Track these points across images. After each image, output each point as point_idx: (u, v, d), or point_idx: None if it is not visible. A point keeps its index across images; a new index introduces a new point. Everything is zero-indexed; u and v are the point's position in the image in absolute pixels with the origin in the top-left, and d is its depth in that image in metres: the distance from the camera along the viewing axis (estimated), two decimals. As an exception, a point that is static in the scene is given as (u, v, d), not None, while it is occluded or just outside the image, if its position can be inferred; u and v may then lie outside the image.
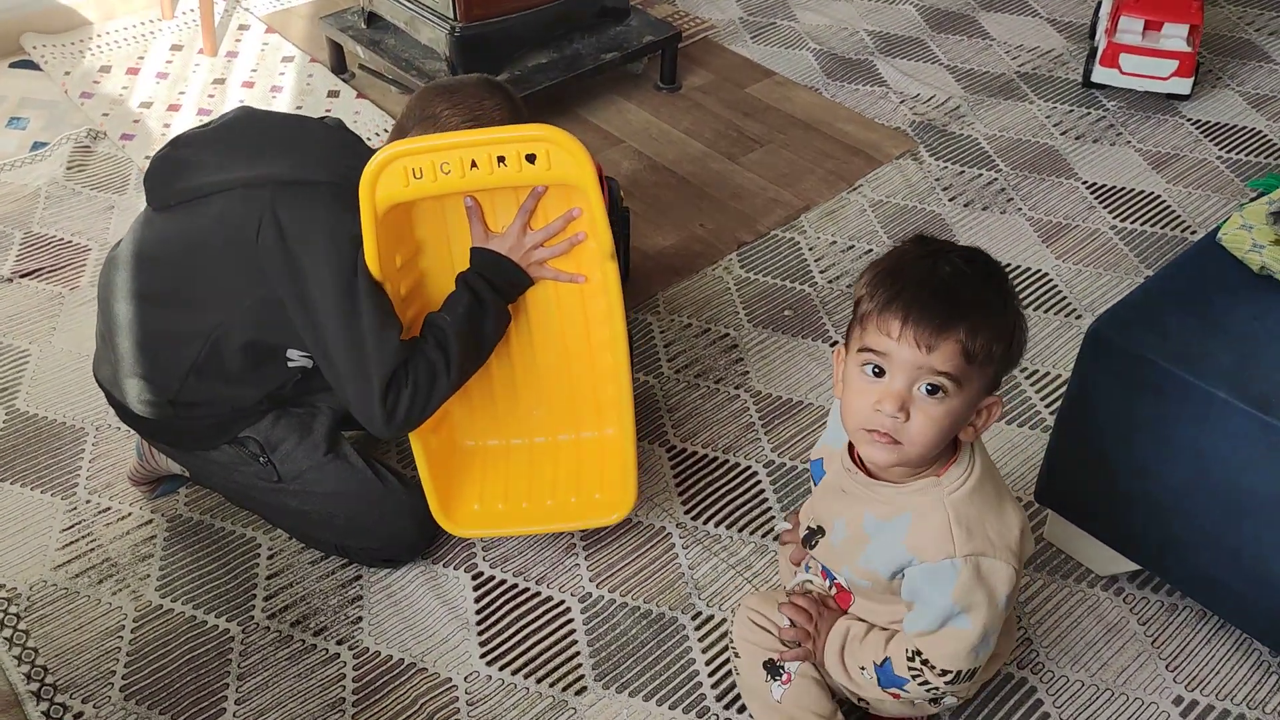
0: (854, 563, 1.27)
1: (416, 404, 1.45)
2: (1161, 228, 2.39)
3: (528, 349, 1.67)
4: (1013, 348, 1.14)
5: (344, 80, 2.84)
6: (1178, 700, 1.55)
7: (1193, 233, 2.37)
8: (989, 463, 1.25)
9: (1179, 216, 2.42)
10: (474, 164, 1.41)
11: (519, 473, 1.69)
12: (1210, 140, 2.65)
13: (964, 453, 1.21)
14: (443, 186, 1.43)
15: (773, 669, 1.36)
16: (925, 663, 1.23)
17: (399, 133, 1.54)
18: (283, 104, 2.74)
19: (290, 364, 1.57)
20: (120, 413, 1.64)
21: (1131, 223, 2.40)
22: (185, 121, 2.67)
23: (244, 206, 1.43)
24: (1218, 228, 1.65)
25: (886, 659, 1.26)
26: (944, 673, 1.22)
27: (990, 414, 1.18)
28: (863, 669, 1.29)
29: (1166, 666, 1.59)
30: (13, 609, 1.64)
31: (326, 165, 1.47)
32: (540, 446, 1.72)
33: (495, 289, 1.52)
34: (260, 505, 1.67)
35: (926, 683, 1.24)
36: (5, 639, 1.60)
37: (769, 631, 1.37)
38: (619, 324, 1.54)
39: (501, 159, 1.41)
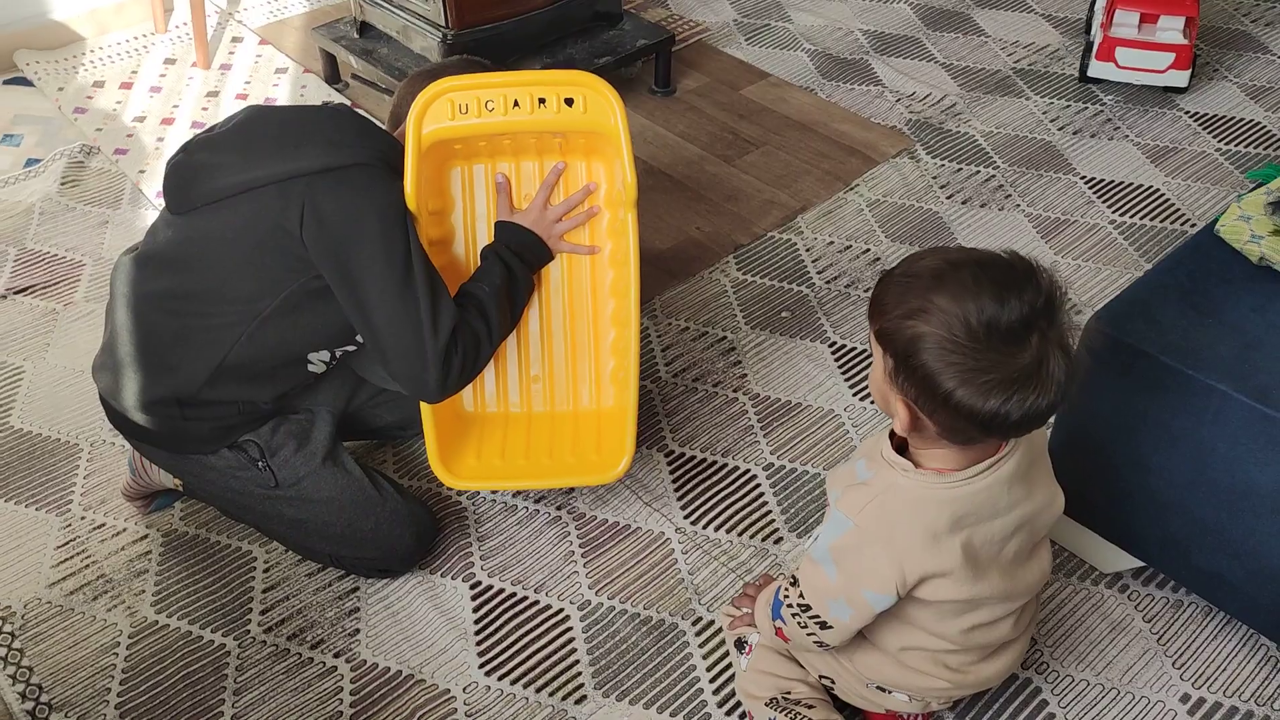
0: (835, 488, 1.28)
1: (466, 370, 1.51)
2: (1161, 221, 2.37)
3: (532, 320, 1.71)
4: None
5: (338, 90, 2.83)
6: (1185, 698, 1.53)
7: (1192, 225, 2.36)
8: (922, 503, 1.19)
9: (1178, 210, 2.40)
10: (516, 103, 1.51)
11: (517, 436, 1.70)
12: (1208, 132, 2.63)
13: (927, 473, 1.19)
14: (486, 124, 1.51)
15: (738, 644, 1.50)
16: (795, 583, 1.29)
17: (394, 120, 1.63)
18: (276, 115, 2.74)
19: (309, 367, 1.59)
20: (117, 420, 1.62)
21: (1130, 217, 2.39)
22: (179, 135, 2.67)
23: (281, 201, 1.44)
24: (1216, 220, 1.63)
25: (779, 587, 1.35)
26: (801, 596, 1.27)
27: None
28: (769, 604, 1.37)
29: (1173, 664, 1.57)
30: (7, 627, 1.63)
31: (352, 148, 1.49)
32: (539, 415, 1.73)
33: (523, 260, 1.62)
34: (256, 514, 1.66)
35: (791, 605, 1.29)
36: (0, 658, 1.59)
37: (777, 675, 1.42)
38: (634, 289, 1.60)
39: (542, 100, 1.51)
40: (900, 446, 1.21)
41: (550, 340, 1.72)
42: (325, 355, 1.61)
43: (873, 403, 1.97)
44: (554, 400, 1.74)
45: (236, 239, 1.47)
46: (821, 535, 1.24)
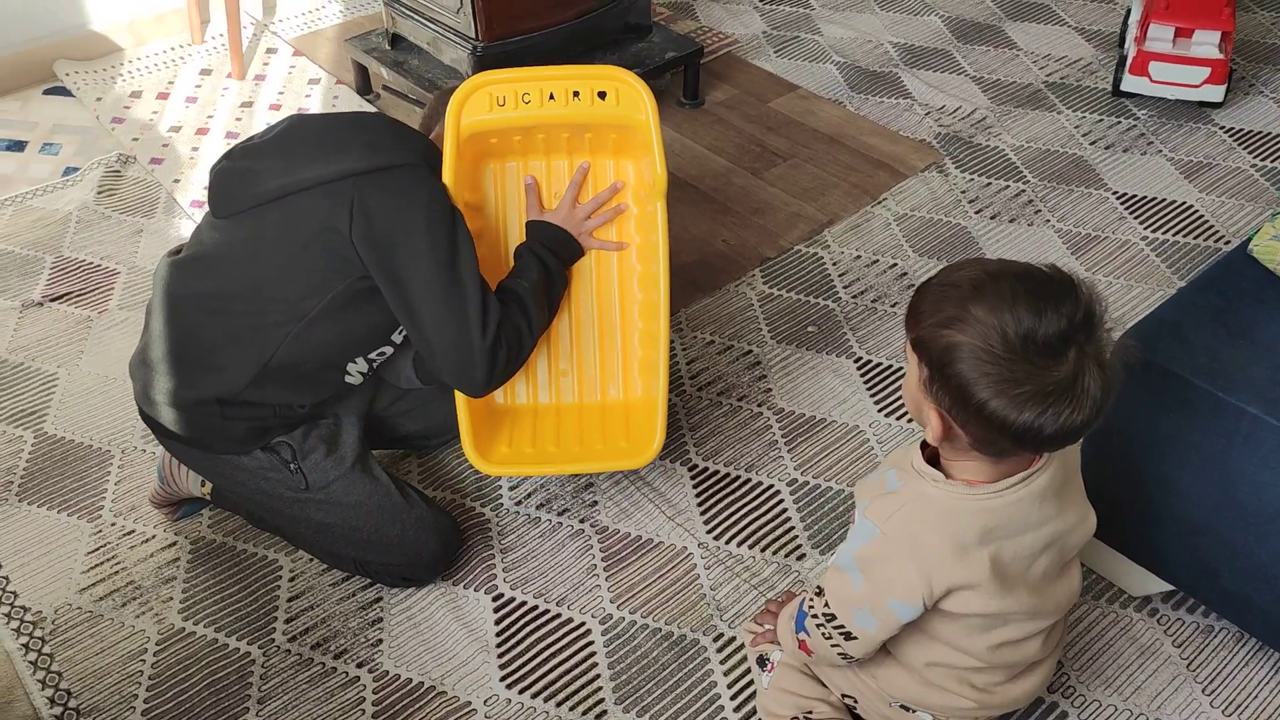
0: (864, 498, 1.27)
1: (510, 364, 1.55)
2: (1194, 238, 2.34)
3: (562, 313, 1.75)
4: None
5: (369, 101, 2.86)
6: (1214, 725, 1.51)
7: (1226, 243, 2.33)
8: (951, 513, 1.18)
9: (1212, 227, 2.37)
10: (551, 96, 1.58)
11: (547, 425, 1.73)
12: (1244, 148, 2.60)
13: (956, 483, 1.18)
14: (522, 116, 1.58)
15: (760, 661, 1.49)
16: (821, 592, 1.28)
17: (424, 131, 1.69)
18: (308, 126, 2.77)
19: (347, 378, 1.62)
20: (151, 419, 1.64)
21: (1163, 233, 2.36)
22: (214, 145, 2.70)
23: (328, 202, 1.47)
24: (1249, 238, 1.61)
25: (803, 598, 1.35)
26: (827, 606, 1.26)
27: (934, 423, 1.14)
28: (792, 618, 1.36)
29: (1203, 690, 1.55)
30: (38, 632, 1.65)
31: (395, 149, 1.52)
32: (568, 406, 1.76)
33: (557, 257, 1.67)
34: (283, 518, 1.67)
35: (816, 615, 1.28)
36: (30, 663, 1.61)
37: (799, 695, 1.42)
38: (663, 281, 1.63)
39: (576, 93, 1.58)
40: (931, 457, 1.20)
41: (580, 333, 1.76)
42: (363, 366, 1.63)
43: (900, 418, 1.96)
44: (583, 392, 1.77)
45: (283, 241, 1.50)
46: (848, 543, 1.23)
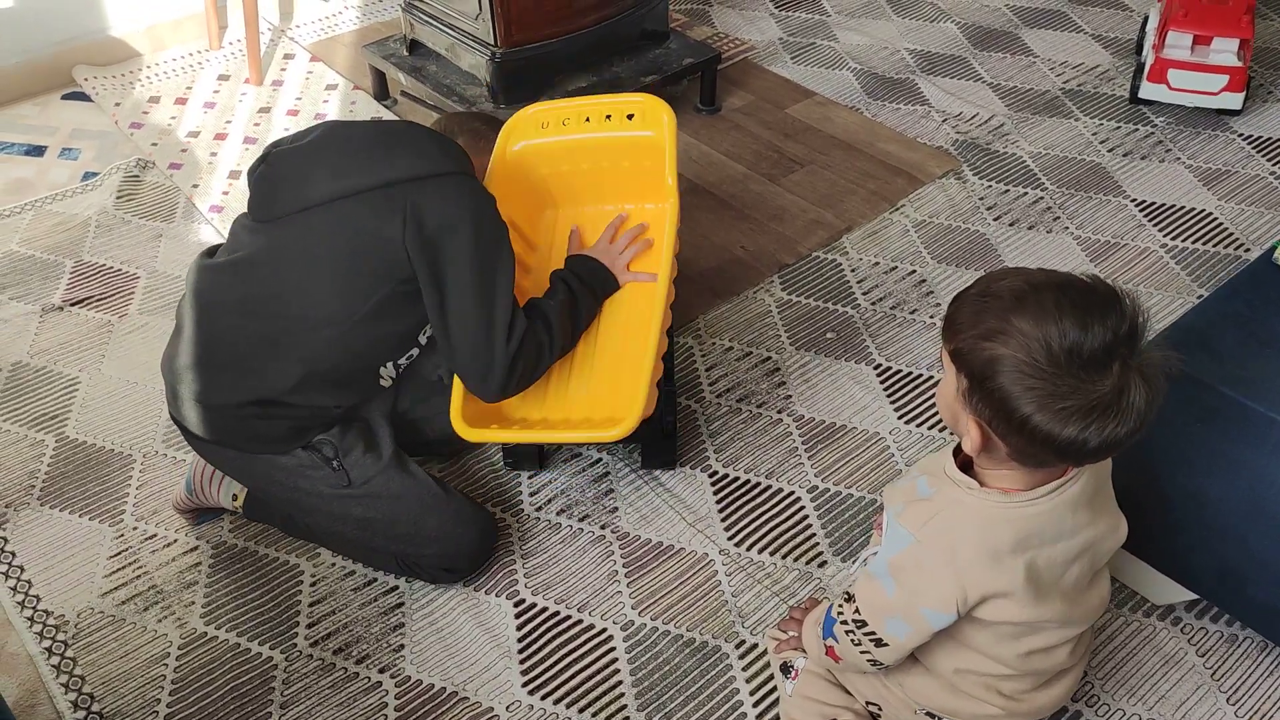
0: (894, 505, 1.26)
1: (526, 376, 1.60)
2: (1214, 246, 2.34)
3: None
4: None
5: (386, 107, 2.87)
6: (1240, 735, 1.50)
7: (1246, 251, 2.32)
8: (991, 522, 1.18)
9: (1232, 234, 2.37)
10: (588, 119, 1.82)
11: (535, 405, 1.74)
12: (1263, 156, 2.59)
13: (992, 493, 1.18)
14: (563, 135, 1.82)
15: (784, 668, 1.49)
16: (850, 599, 1.27)
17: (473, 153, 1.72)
18: (326, 131, 2.78)
19: (380, 381, 1.65)
20: (186, 423, 1.63)
21: (1183, 241, 2.36)
22: (232, 149, 2.71)
23: (381, 208, 1.50)
24: (1273, 247, 1.61)
25: (831, 604, 1.34)
26: (857, 613, 1.25)
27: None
28: (818, 624, 1.36)
29: (1227, 700, 1.54)
30: (60, 636, 1.66)
31: (443, 157, 1.57)
32: (558, 381, 1.78)
33: (586, 285, 1.73)
34: (323, 515, 1.66)
35: (845, 622, 1.27)
36: (53, 666, 1.61)
37: (822, 702, 1.42)
38: (664, 277, 1.72)
39: (609, 115, 1.82)
40: (964, 464, 1.20)
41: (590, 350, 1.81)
42: (393, 370, 1.66)
43: (920, 425, 1.95)
44: (573, 370, 1.79)
45: (332, 246, 1.53)
46: (881, 550, 1.23)
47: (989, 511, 1.15)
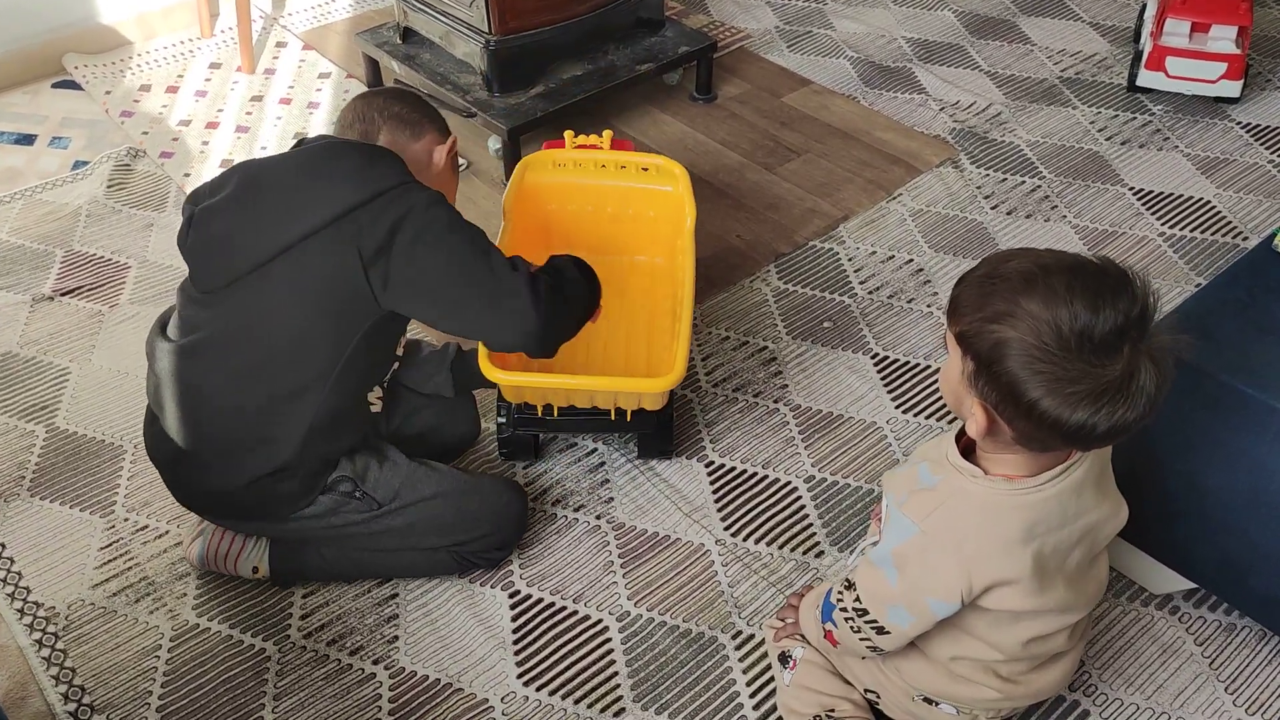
0: (896, 492, 1.25)
1: (565, 307, 1.53)
2: (1212, 234, 2.33)
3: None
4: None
5: (379, 96, 2.84)
6: (1238, 725, 1.49)
7: (1244, 239, 2.31)
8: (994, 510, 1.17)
9: (1229, 223, 2.35)
10: (603, 165, 1.96)
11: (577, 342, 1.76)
12: (1261, 144, 2.58)
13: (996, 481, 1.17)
14: (575, 176, 1.98)
15: (782, 658, 1.48)
16: (851, 586, 1.27)
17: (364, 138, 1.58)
18: (320, 120, 2.75)
19: (371, 408, 1.63)
20: (202, 507, 1.61)
21: (1181, 229, 2.34)
22: (224, 139, 2.69)
23: (335, 244, 1.41)
24: (1273, 234, 1.60)
25: (830, 590, 1.33)
26: (858, 600, 1.25)
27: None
28: (817, 609, 1.35)
29: (1225, 689, 1.53)
30: (51, 628, 1.64)
31: (374, 175, 1.46)
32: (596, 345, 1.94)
33: (584, 270, 1.65)
34: (363, 540, 1.62)
35: (845, 609, 1.26)
36: (44, 659, 1.60)
37: (821, 692, 1.41)
38: (688, 286, 1.82)
39: (623, 166, 1.97)
40: (966, 449, 1.18)
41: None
42: (378, 391, 1.64)
43: (918, 414, 1.94)
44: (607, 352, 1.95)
45: (300, 300, 1.44)
46: (883, 539, 1.22)
47: (995, 500, 1.14)
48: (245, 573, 1.67)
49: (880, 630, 1.23)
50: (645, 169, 1.92)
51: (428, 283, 1.45)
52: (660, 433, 1.84)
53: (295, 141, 1.63)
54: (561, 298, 1.53)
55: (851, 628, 1.26)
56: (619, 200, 2.01)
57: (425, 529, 1.61)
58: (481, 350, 1.64)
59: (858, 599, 1.25)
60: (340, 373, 1.49)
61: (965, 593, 1.15)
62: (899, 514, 1.19)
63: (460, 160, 2.53)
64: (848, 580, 1.28)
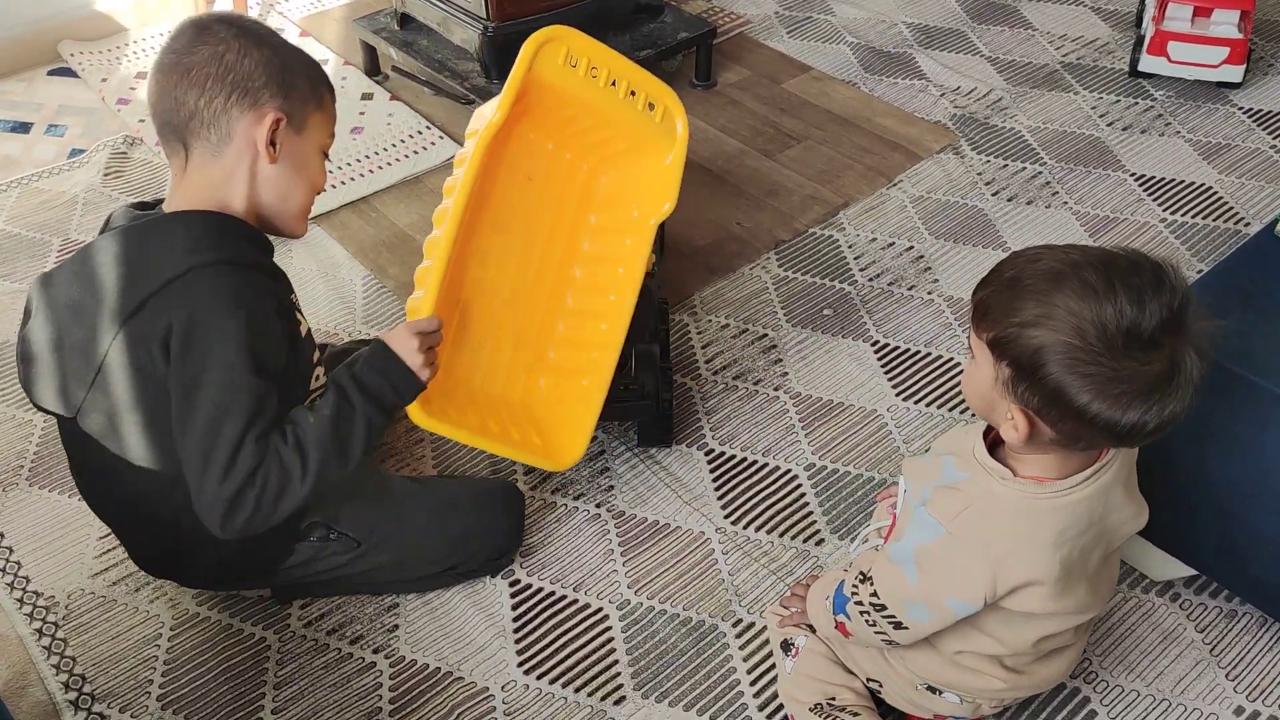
0: (916, 482, 1.24)
1: (261, 511, 1.26)
2: (1214, 220, 2.32)
3: (528, 270, 1.71)
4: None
5: (377, 82, 2.83)
6: (1239, 710, 1.49)
7: (1247, 225, 2.30)
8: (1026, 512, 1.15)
9: (1232, 209, 2.35)
10: (614, 82, 1.55)
11: (496, 391, 1.68)
12: (1264, 129, 2.57)
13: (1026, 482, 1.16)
14: (582, 89, 1.54)
15: (785, 646, 1.47)
16: (867, 580, 1.25)
17: (242, 91, 1.33)
18: (316, 107, 2.74)
19: None
20: (193, 582, 1.60)
21: (1182, 215, 2.33)
22: (220, 126, 2.67)
23: (130, 340, 1.29)
24: (1276, 219, 1.59)
25: (843, 581, 1.31)
26: (875, 595, 1.23)
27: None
28: (827, 599, 1.34)
29: (1226, 675, 1.53)
30: (51, 617, 1.64)
31: (169, 257, 1.28)
32: (527, 369, 1.72)
33: (369, 396, 1.32)
34: (361, 576, 1.59)
35: (861, 602, 1.25)
36: (44, 648, 1.60)
37: (823, 681, 1.40)
38: (630, 296, 1.66)
39: (633, 92, 1.57)
40: (991, 445, 1.17)
41: (541, 291, 1.72)
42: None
43: (918, 402, 1.94)
44: (542, 345, 1.74)
45: (134, 403, 1.32)
46: (906, 537, 1.20)
47: (1026, 504, 1.12)
48: (249, 594, 1.66)
49: (898, 625, 1.22)
50: (652, 105, 1.59)
51: (182, 382, 1.27)
52: (661, 422, 1.83)
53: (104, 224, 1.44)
54: (277, 501, 1.27)
55: (867, 621, 1.25)
56: (598, 153, 1.68)
57: (415, 562, 1.59)
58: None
59: (875, 594, 1.23)
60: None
61: (989, 594, 1.13)
62: (924, 513, 1.17)
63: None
64: (862, 573, 1.27)
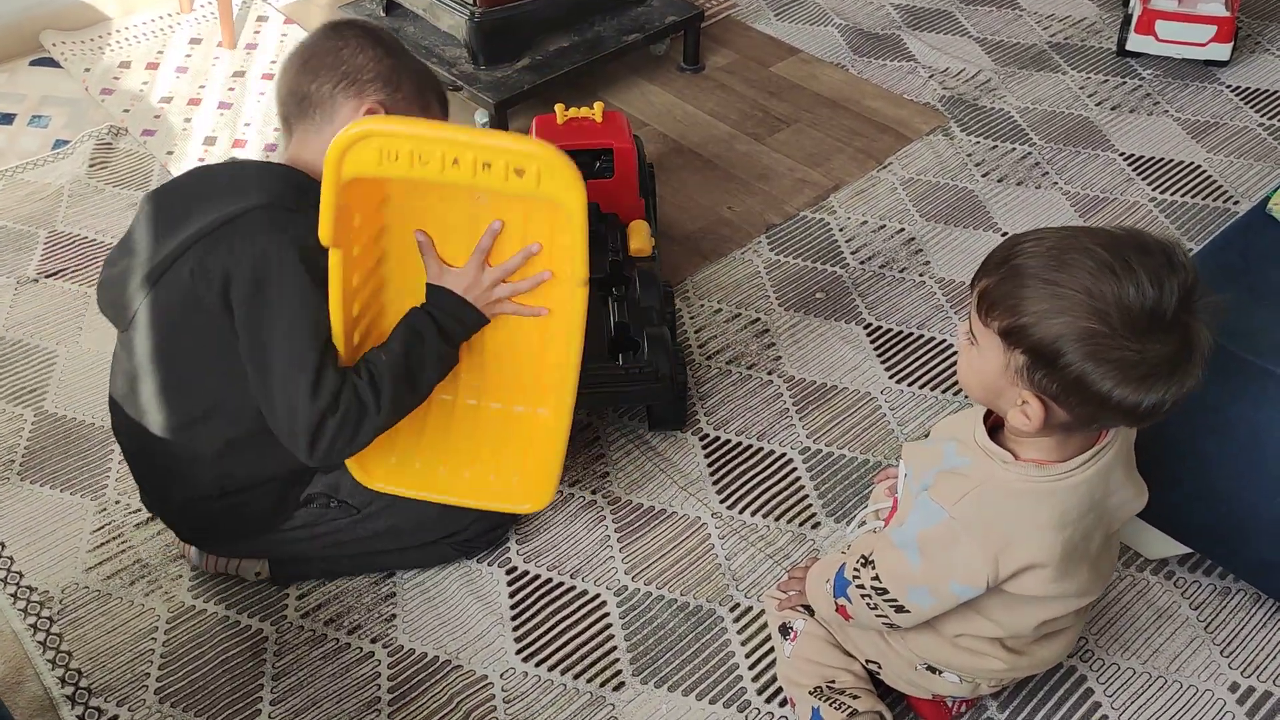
0: (917, 468, 1.24)
1: (342, 435, 1.34)
2: (1203, 199, 2.32)
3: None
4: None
5: (363, 70, 2.80)
6: (1234, 686, 1.50)
7: (1235, 203, 2.31)
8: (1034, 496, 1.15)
9: (1220, 187, 2.35)
10: (456, 161, 1.28)
11: (438, 432, 1.54)
12: (1251, 107, 2.57)
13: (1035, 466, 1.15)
14: (418, 174, 1.30)
15: (783, 630, 1.47)
16: (869, 563, 1.25)
17: (350, 81, 1.43)
18: (303, 95, 2.72)
19: None
20: (199, 537, 1.62)
21: (1172, 194, 2.34)
22: (206, 115, 2.65)
23: (186, 271, 1.37)
24: (1267, 198, 1.60)
25: (844, 565, 1.31)
26: (877, 579, 1.24)
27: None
28: (828, 581, 1.34)
29: (1221, 652, 1.54)
30: (45, 612, 1.63)
31: (240, 195, 1.38)
32: (467, 408, 1.55)
33: (442, 331, 1.41)
34: (356, 545, 1.60)
35: (862, 586, 1.25)
36: (39, 643, 1.59)
37: (822, 664, 1.40)
38: (575, 348, 1.44)
39: (487, 164, 1.29)
40: (990, 430, 1.17)
41: (490, 340, 1.52)
42: None
43: (911, 384, 1.94)
44: (487, 394, 1.56)
45: (174, 320, 1.41)
46: (908, 521, 1.20)
47: (1028, 487, 1.12)
48: (248, 576, 1.65)
49: (899, 609, 1.23)
50: (520, 172, 1.28)
51: (242, 325, 1.36)
52: (675, 406, 1.81)
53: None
54: (356, 430, 1.35)
55: (868, 604, 1.26)
56: (494, 209, 1.41)
57: (414, 528, 1.60)
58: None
59: (876, 578, 1.23)
60: (241, 388, 1.39)
61: (991, 578, 1.14)
62: (926, 498, 1.17)
63: None
64: (864, 556, 1.27)
